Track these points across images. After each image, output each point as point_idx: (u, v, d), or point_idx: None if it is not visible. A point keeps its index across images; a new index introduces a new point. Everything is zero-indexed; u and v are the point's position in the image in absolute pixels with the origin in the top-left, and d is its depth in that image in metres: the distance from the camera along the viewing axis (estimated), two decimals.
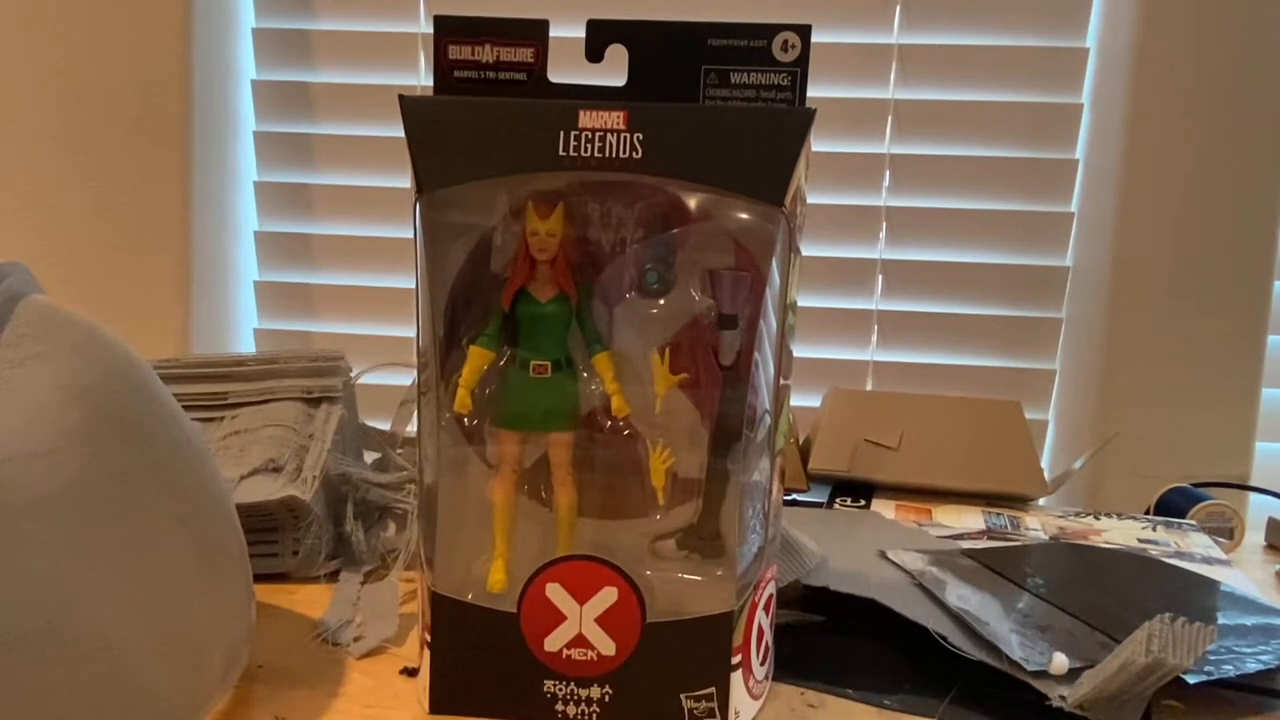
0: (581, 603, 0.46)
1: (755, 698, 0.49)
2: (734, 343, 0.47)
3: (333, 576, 0.64)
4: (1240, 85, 0.92)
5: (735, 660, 0.47)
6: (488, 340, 0.47)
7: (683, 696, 0.46)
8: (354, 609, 0.59)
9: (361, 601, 0.60)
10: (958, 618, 0.55)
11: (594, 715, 0.47)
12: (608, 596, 0.46)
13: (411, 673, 0.52)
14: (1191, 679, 0.48)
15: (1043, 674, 0.49)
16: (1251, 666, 0.50)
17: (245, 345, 1.12)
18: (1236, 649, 0.52)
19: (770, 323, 0.47)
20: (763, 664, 0.50)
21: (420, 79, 1.08)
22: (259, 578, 0.63)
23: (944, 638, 0.52)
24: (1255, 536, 0.83)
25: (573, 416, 0.48)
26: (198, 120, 1.04)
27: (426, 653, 0.48)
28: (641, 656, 0.46)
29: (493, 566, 0.48)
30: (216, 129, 1.07)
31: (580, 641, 0.47)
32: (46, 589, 0.35)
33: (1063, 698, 0.47)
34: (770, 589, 0.50)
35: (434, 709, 0.48)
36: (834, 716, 0.49)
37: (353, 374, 0.74)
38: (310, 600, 0.61)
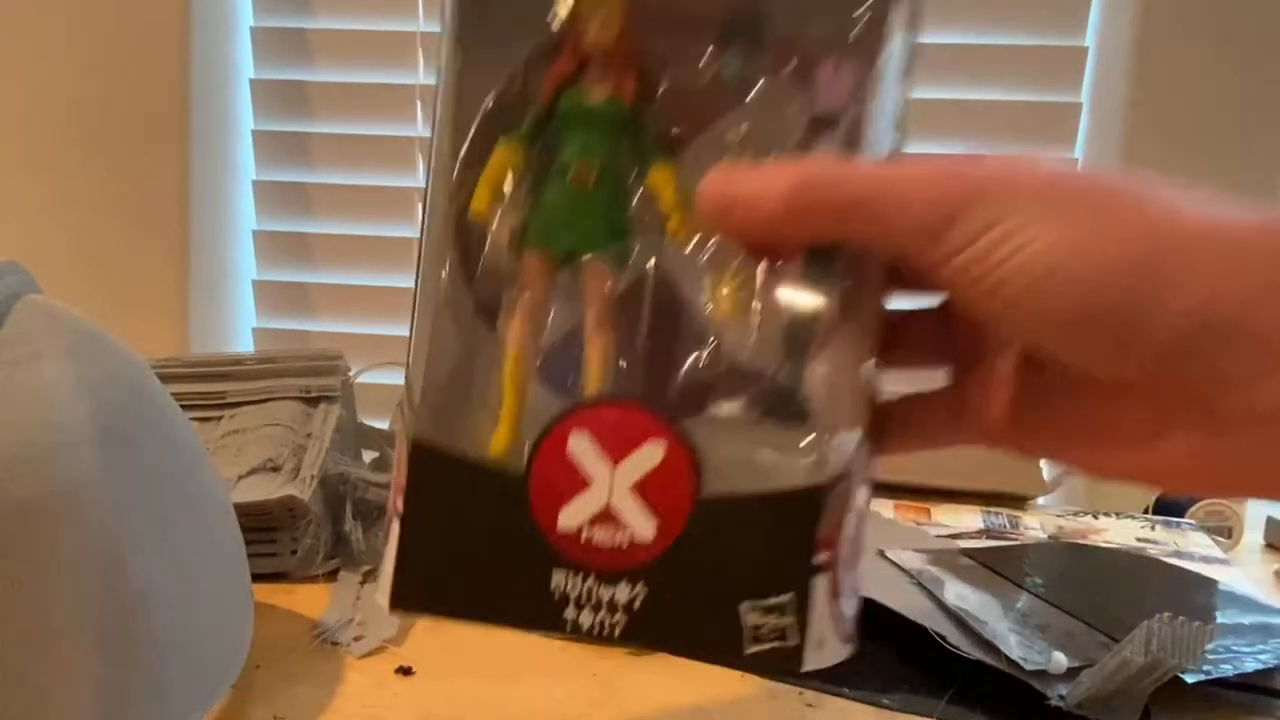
0: (615, 461, 0.35)
1: (844, 640, 0.37)
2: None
3: (331, 576, 0.64)
4: (1239, 84, 0.92)
5: (820, 559, 0.34)
6: (519, 138, 0.37)
7: (744, 606, 0.34)
8: (353, 609, 0.59)
9: (361, 601, 0.60)
10: (956, 617, 0.55)
11: (617, 628, 0.34)
12: (650, 455, 0.35)
13: (406, 671, 0.52)
14: (1190, 678, 0.48)
15: (1041, 673, 0.49)
16: (1250, 666, 0.50)
17: (243, 344, 1.12)
18: (1235, 648, 0.52)
19: (878, 127, 0.37)
20: (853, 594, 0.37)
21: (419, 78, 1.08)
22: (257, 577, 0.63)
23: (943, 637, 0.52)
24: (1254, 536, 0.83)
25: (617, 238, 0.38)
26: (196, 119, 1.04)
27: (395, 527, 0.36)
28: (690, 543, 0.34)
29: (498, 428, 0.36)
30: (215, 128, 1.07)
31: (608, 517, 0.35)
32: (41, 590, 0.35)
33: (1061, 697, 0.47)
34: (866, 492, 0.37)
35: (397, 602, 0.36)
36: (832, 716, 0.49)
37: (351, 373, 0.74)
38: (309, 600, 0.61)
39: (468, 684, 0.51)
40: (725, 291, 0.36)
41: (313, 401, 0.70)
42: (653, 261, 0.36)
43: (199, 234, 1.06)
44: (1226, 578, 0.65)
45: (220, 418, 0.69)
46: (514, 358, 0.36)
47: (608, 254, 0.37)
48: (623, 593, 0.34)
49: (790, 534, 0.34)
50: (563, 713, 0.49)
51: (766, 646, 0.33)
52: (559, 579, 0.35)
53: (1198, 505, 0.81)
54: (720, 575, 0.34)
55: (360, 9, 1.08)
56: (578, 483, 0.35)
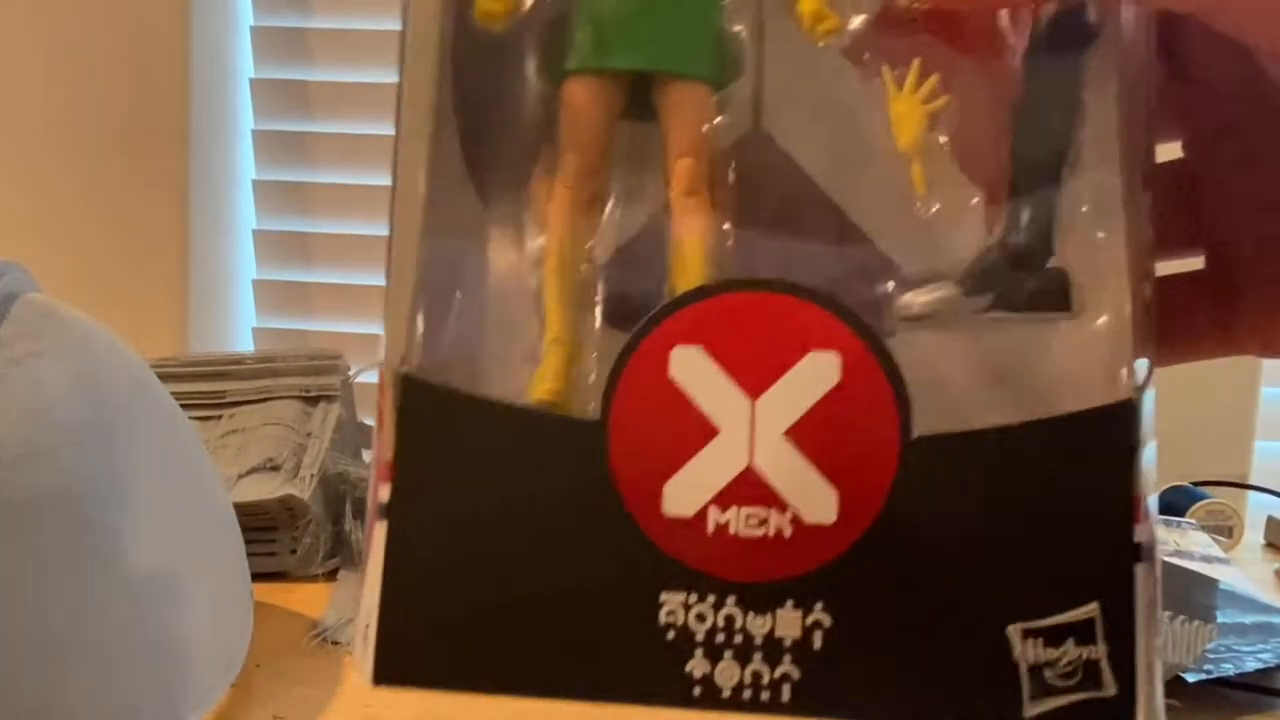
0: (754, 390, 0.20)
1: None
2: None
3: (331, 576, 0.64)
4: None
5: (1140, 533, 0.19)
6: None
7: (1015, 631, 0.19)
8: (354, 608, 0.59)
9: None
10: None
11: (785, 688, 0.19)
12: (816, 375, 0.20)
13: None
14: (1191, 677, 0.48)
15: None
16: (1251, 665, 0.50)
17: (243, 344, 1.12)
18: (1236, 648, 0.52)
19: None
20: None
21: None
22: (257, 577, 0.63)
23: None
24: (1255, 535, 0.83)
25: (713, 48, 0.23)
26: (196, 119, 1.04)
27: (376, 536, 0.21)
28: (903, 523, 0.20)
29: (543, 362, 0.22)
30: (215, 127, 1.07)
31: (751, 487, 0.20)
32: (42, 588, 0.35)
33: None
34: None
35: (385, 670, 0.21)
36: None
37: (351, 373, 0.74)
38: (309, 599, 0.61)
39: None
40: (909, 104, 0.21)
41: (312, 401, 0.70)
42: (774, 78, 0.22)
43: (199, 233, 1.06)
44: (1227, 577, 0.65)
45: (220, 417, 0.69)
46: (559, 252, 0.22)
47: (700, 73, 0.22)
48: (789, 623, 0.19)
49: (1087, 490, 0.19)
50: (563, 712, 0.49)
51: (1063, 700, 0.19)
52: (672, 605, 0.20)
53: (1198, 505, 0.81)
54: (965, 578, 0.20)
55: (360, 9, 1.08)
56: (693, 430, 0.20)
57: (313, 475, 0.63)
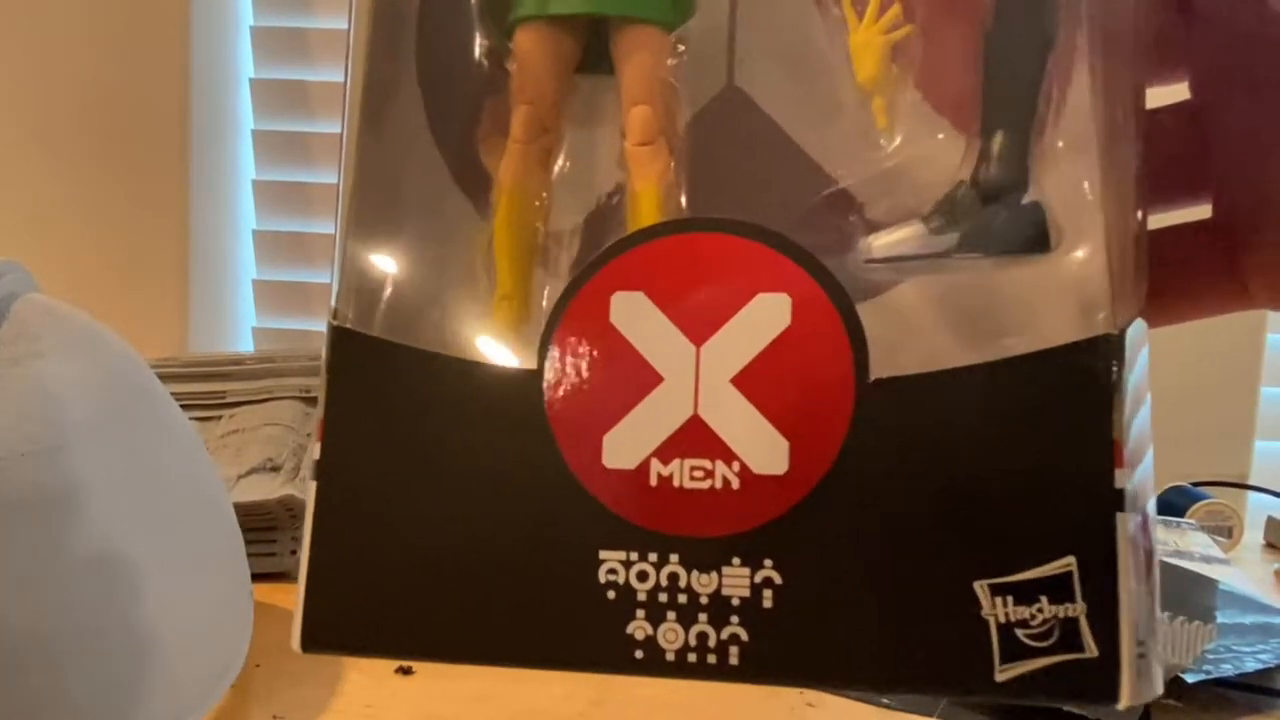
0: (699, 336, 0.19)
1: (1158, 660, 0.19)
2: None
3: None
4: None
5: (1122, 479, 0.18)
6: None
7: (983, 588, 0.18)
8: None
9: None
10: None
11: (732, 651, 0.18)
12: (765, 318, 0.19)
13: (406, 671, 0.52)
14: (1190, 678, 0.48)
15: None
16: (1250, 665, 0.50)
17: (243, 344, 1.12)
18: (1235, 648, 0.52)
19: None
20: (1156, 573, 0.19)
21: None
22: (257, 577, 0.63)
23: None
24: (1254, 535, 0.83)
25: None
26: (196, 119, 1.04)
27: (310, 496, 0.20)
28: (858, 474, 0.18)
29: (494, 319, 0.21)
30: (215, 128, 1.07)
31: (696, 438, 0.19)
32: (41, 589, 0.35)
33: None
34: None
35: (312, 636, 0.22)
36: (832, 715, 0.49)
37: None
38: None
39: (468, 684, 0.51)
40: (869, 35, 0.20)
41: (313, 401, 0.70)
42: (730, 16, 0.21)
43: (199, 233, 1.06)
44: (1227, 577, 0.65)
45: (220, 417, 0.69)
46: (509, 206, 0.21)
47: (652, 15, 0.21)
48: (737, 580, 0.18)
49: (1059, 433, 0.18)
50: (563, 712, 0.49)
51: (1038, 663, 0.17)
52: (612, 563, 0.18)
53: (1198, 505, 0.81)
54: (927, 531, 0.18)
55: None
56: (635, 379, 0.19)
57: None
